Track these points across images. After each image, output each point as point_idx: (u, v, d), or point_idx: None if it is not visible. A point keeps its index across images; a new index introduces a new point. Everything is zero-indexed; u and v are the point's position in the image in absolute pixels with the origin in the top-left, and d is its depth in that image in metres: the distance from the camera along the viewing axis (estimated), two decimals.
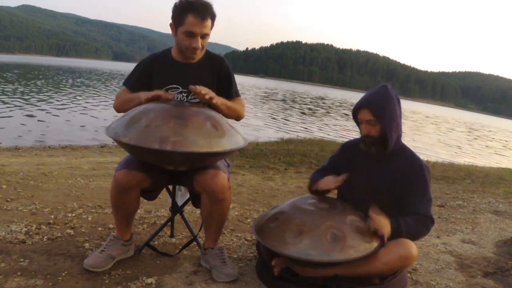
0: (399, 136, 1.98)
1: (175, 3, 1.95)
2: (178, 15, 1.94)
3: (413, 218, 1.94)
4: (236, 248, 2.45)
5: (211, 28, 2.00)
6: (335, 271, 1.86)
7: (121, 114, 1.98)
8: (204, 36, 1.98)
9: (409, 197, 1.96)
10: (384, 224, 1.88)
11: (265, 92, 37.57)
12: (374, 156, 2.01)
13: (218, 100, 1.98)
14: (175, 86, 2.07)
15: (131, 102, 2.01)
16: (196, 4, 1.91)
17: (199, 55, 2.08)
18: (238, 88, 2.23)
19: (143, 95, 1.98)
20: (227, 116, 2.08)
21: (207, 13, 1.93)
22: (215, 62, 2.13)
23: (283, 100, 28.60)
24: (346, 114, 22.86)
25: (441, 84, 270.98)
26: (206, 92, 1.92)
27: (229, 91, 2.13)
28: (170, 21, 2.00)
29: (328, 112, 23.85)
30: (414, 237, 1.96)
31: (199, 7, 1.91)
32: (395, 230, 1.90)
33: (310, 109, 24.69)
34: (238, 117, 2.15)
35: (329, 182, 2.03)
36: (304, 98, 37.75)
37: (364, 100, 1.95)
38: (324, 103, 33.85)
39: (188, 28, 1.93)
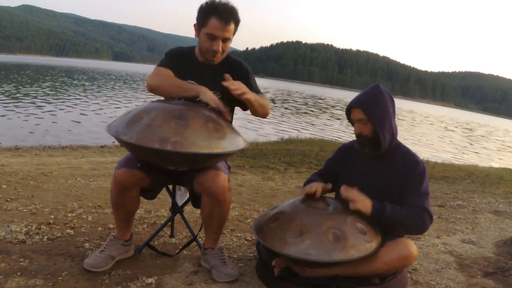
0: (393, 135, 1.98)
1: (201, 5, 1.96)
2: (203, 16, 1.95)
3: (407, 208, 1.92)
4: (236, 248, 2.44)
5: (234, 33, 2.01)
6: (335, 271, 1.86)
7: (122, 112, 1.98)
8: (226, 40, 1.99)
9: (405, 191, 1.96)
10: (357, 197, 1.90)
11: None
12: (369, 155, 2.02)
13: (251, 96, 1.98)
14: (192, 83, 2.05)
15: (182, 89, 1.95)
16: (221, 8, 1.92)
17: (219, 58, 2.07)
18: None
19: (208, 94, 1.93)
20: (257, 112, 2.09)
21: (231, 17, 1.94)
22: (235, 65, 2.14)
23: (272, 100, 28.41)
24: (333, 113, 22.83)
25: (441, 84, 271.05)
26: (237, 87, 1.92)
27: (250, 89, 2.11)
28: (195, 21, 2.02)
29: (312, 111, 23.81)
30: (407, 226, 1.93)
31: (224, 10, 1.92)
32: (376, 210, 1.89)
33: (296, 108, 24.50)
34: (265, 114, 2.14)
35: (315, 186, 2.03)
36: (296, 97, 37.57)
37: (356, 100, 1.98)
38: (315, 102, 33.66)
39: (211, 31, 1.94)
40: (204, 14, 1.94)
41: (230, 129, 1.91)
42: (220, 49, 1.98)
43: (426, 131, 21.58)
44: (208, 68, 2.09)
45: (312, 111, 24.01)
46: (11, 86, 17.55)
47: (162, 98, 2.05)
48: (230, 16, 1.93)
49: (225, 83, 1.94)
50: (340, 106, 31.41)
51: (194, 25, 2.03)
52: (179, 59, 2.10)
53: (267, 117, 2.24)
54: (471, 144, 18.60)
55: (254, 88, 2.14)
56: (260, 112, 2.10)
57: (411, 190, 1.95)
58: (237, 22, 1.98)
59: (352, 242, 1.79)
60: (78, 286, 1.81)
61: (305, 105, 28.58)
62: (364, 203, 1.91)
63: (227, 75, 1.96)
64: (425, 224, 1.93)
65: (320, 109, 26.23)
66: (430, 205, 1.95)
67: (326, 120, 19.07)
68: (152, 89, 2.01)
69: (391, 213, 1.90)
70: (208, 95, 1.94)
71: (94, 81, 26.56)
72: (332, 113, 23.75)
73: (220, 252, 2.09)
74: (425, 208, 1.92)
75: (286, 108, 22.63)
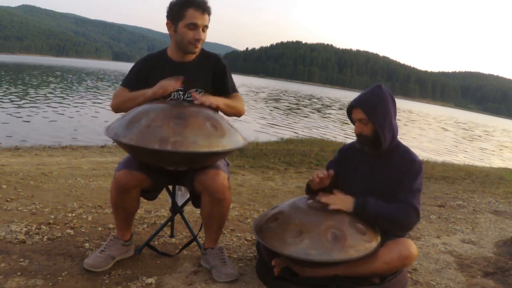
0: (394, 134, 1.99)
1: (171, 1, 2.00)
2: (178, 10, 1.98)
3: (393, 204, 1.92)
4: (236, 248, 2.44)
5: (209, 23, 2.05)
6: (335, 271, 1.86)
7: (121, 114, 1.98)
8: (205, 28, 2.02)
9: (397, 188, 1.96)
10: (333, 199, 1.92)
11: (252, 91, 37.02)
12: (369, 154, 2.03)
13: (218, 101, 2.00)
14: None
15: (134, 100, 2.00)
16: None
17: (198, 49, 2.09)
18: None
19: (150, 91, 1.98)
20: (228, 114, 2.10)
21: (206, 7, 2.00)
22: (211, 61, 2.15)
23: (264, 99, 28.20)
24: (319, 111, 22.67)
25: (441, 84, 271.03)
26: (202, 101, 1.94)
27: (225, 88, 2.15)
28: (166, 20, 2.03)
29: (300, 109, 23.74)
30: (391, 221, 1.92)
31: (199, 0, 1.97)
32: (358, 205, 1.91)
33: (289, 108, 24.42)
34: (238, 114, 2.15)
35: (318, 173, 2.03)
36: (290, 97, 37.46)
37: (357, 99, 1.99)
38: (308, 102, 33.59)
39: (191, 20, 1.97)
40: (180, 7, 1.98)
41: (229, 127, 1.91)
42: (202, 37, 2.01)
43: (422, 131, 21.55)
44: (184, 66, 2.09)
45: (299, 109, 23.90)
46: (18, 87, 17.51)
47: (160, 100, 2.05)
48: (205, 5, 1.99)
49: (192, 94, 1.99)
50: (337, 106, 31.39)
51: (167, 23, 2.04)
52: (150, 64, 2.11)
53: (242, 116, 2.25)
54: (466, 144, 18.61)
55: (230, 85, 2.17)
56: (230, 113, 2.11)
57: (403, 186, 1.95)
58: (210, 12, 2.03)
59: (351, 242, 1.80)
60: (78, 286, 1.81)
61: (296, 104, 28.52)
62: (343, 201, 1.93)
63: (192, 93, 2.01)
64: (411, 220, 1.92)
65: (314, 109, 26.21)
66: (419, 203, 1.94)
67: (314, 119, 18.89)
68: (115, 110, 2.08)
69: (373, 207, 1.90)
70: (164, 84, 1.97)
71: (95, 82, 26.60)
72: (324, 112, 23.70)
73: (220, 252, 2.09)
74: (412, 204, 1.91)
75: (276, 107, 22.52)
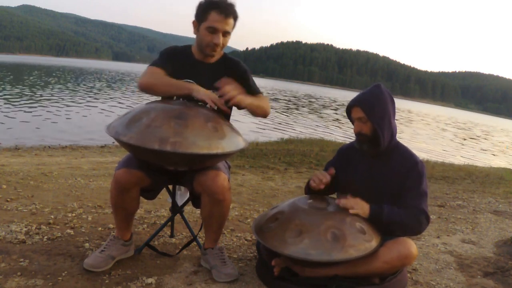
0: (393, 134, 1.99)
1: (200, 1, 1.99)
2: (203, 11, 1.97)
3: (404, 210, 1.93)
4: (236, 248, 2.45)
5: (233, 28, 2.03)
6: (335, 271, 1.86)
7: (122, 113, 1.97)
8: (226, 34, 2.00)
9: (403, 191, 1.96)
10: (354, 205, 1.91)
11: None
12: (368, 154, 2.03)
13: (243, 99, 1.98)
14: (190, 81, 2.05)
15: (174, 87, 1.94)
16: (220, 2, 1.96)
17: (218, 54, 2.08)
18: None
19: (202, 91, 1.92)
20: (254, 114, 2.09)
21: (231, 11, 1.97)
22: (232, 64, 2.14)
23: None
24: (322, 113, 22.61)
25: (441, 84, 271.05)
26: (228, 92, 1.91)
27: (249, 89, 2.13)
28: (193, 19, 2.03)
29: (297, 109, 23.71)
30: (404, 227, 1.93)
31: (224, 4, 1.96)
32: (374, 211, 1.91)
33: (289, 108, 24.31)
34: (265, 114, 2.14)
35: (319, 175, 2.04)
36: (286, 96, 37.39)
37: (356, 98, 2.00)
38: (307, 102, 33.53)
39: (211, 24, 1.95)
40: (204, 9, 1.96)
41: (230, 128, 1.90)
42: (221, 42, 1.99)
43: (422, 131, 21.53)
44: (205, 66, 2.09)
45: (299, 109, 23.86)
46: (17, 87, 17.51)
47: (159, 98, 2.05)
48: (229, 10, 1.96)
49: (218, 84, 1.94)
50: (337, 106, 31.33)
51: (193, 22, 2.04)
52: (174, 57, 2.09)
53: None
54: (465, 144, 18.60)
55: (253, 88, 2.14)
56: (257, 114, 2.10)
57: (409, 190, 1.95)
58: (236, 17, 2.01)
59: (351, 242, 1.80)
60: (78, 286, 1.81)
61: (295, 104, 28.48)
62: (362, 207, 1.92)
63: (222, 80, 1.95)
64: (421, 225, 1.94)
65: (313, 109, 26.18)
66: (427, 206, 1.96)
67: (309, 119, 18.83)
68: (144, 88, 1.98)
69: (388, 214, 1.91)
70: (201, 92, 1.93)
71: (95, 81, 26.60)
72: (324, 112, 23.67)
73: (220, 252, 2.09)
74: (423, 209, 1.93)
75: (276, 107, 22.47)
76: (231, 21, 1.98)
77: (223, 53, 2.13)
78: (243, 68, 2.15)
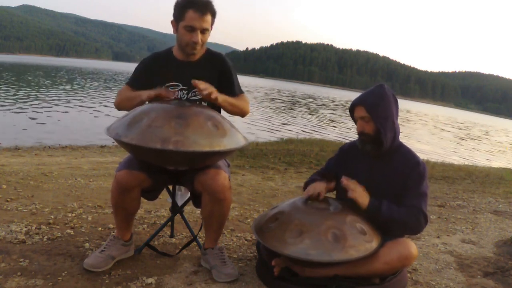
0: (395, 134, 1.99)
1: (177, 0, 1.99)
2: (179, 11, 1.98)
3: (403, 208, 1.92)
4: (236, 248, 2.44)
5: (211, 24, 2.03)
6: (335, 271, 1.86)
7: (122, 114, 1.98)
8: (204, 31, 2.01)
9: (403, 191, 1.96)
10: (357, 188, 1.93)
11: (248, 91, 36.91)
12: (370, 154, 2.03)
13: (219, 97, 1.98)
14: (176, 83, 2.08)
15: (132, 100, 2.01)
16: (196, 0, 1.96)
17: (200, 51, 2.08)
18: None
19: (145, 93, 1.98)
20: (231, 113, 2.09)
21: (207, 9, 1.98)
22: (216, 60, 2.14)
23: (255, 98, 27.98)
24: (318, 110, 22.49)
25: (441, 84, 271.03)
26: (205, 87, 1.91)
27: (231, 88, 2.13)
28: (172, 18, 2.04)
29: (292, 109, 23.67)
30: (402, 226, 1.93)
31: (199, 2, 1.96)
32: (373, 205, 1.91)
33: (288, 107, 24.31)
34: (242, 114, 2.14)
35: (318, 187, 2.04)
36: (283, 96, 37.28)
37: (360, 98, 2.00)
38: (306, 102, 33.43)
39: (188, 23, 1.96)
40: (181, 8, 1.97)
41: (230, 126, 1.91)
42: (200, 40, 2.00)
43: (421, 131, 21.52)
44: (189, 65, 2.09)
45: (297, 109, 23.82)
46: (14, 87, 17.51)
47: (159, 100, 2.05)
48: (206, 7, 1.97)
49: (194, 82, 1.93)
50: (337, 106, 31.31)
51: (172, 22, 2.05)
52: (155, 64, 2.12)
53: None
54: (465, 144, 18.59)
55: (236, 86, 2.16)
56: (233, 112, 2.10)
57: (410, 190, 1.95)
58: (213, 13, 2.01)
59: (352, 242, 1.80)
60: (78, 286, 1.81)
61: (294, 104, 28.45)
62: (362, 195, 1.93)
63: (193, 80, 1.94)
64: (420, 225, 1.93)
65: (313, 109, 26.15)
66: (427, 207, 1.95)
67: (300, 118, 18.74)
68: (117, 108, 2.11)
69: (387, 210, 1.90)
70: (145, 94, 1.96)
71: (96, 82, 26.59)
72: (324, 112, 23.62)
73: (220, 252, 2.09)
74: (422, 209, 1.92)
75: (276, 107, 22.45)
76: (208, 18, 1.99)
77: (206, 48, 2.13)
78: (228, 65, 2.16)
